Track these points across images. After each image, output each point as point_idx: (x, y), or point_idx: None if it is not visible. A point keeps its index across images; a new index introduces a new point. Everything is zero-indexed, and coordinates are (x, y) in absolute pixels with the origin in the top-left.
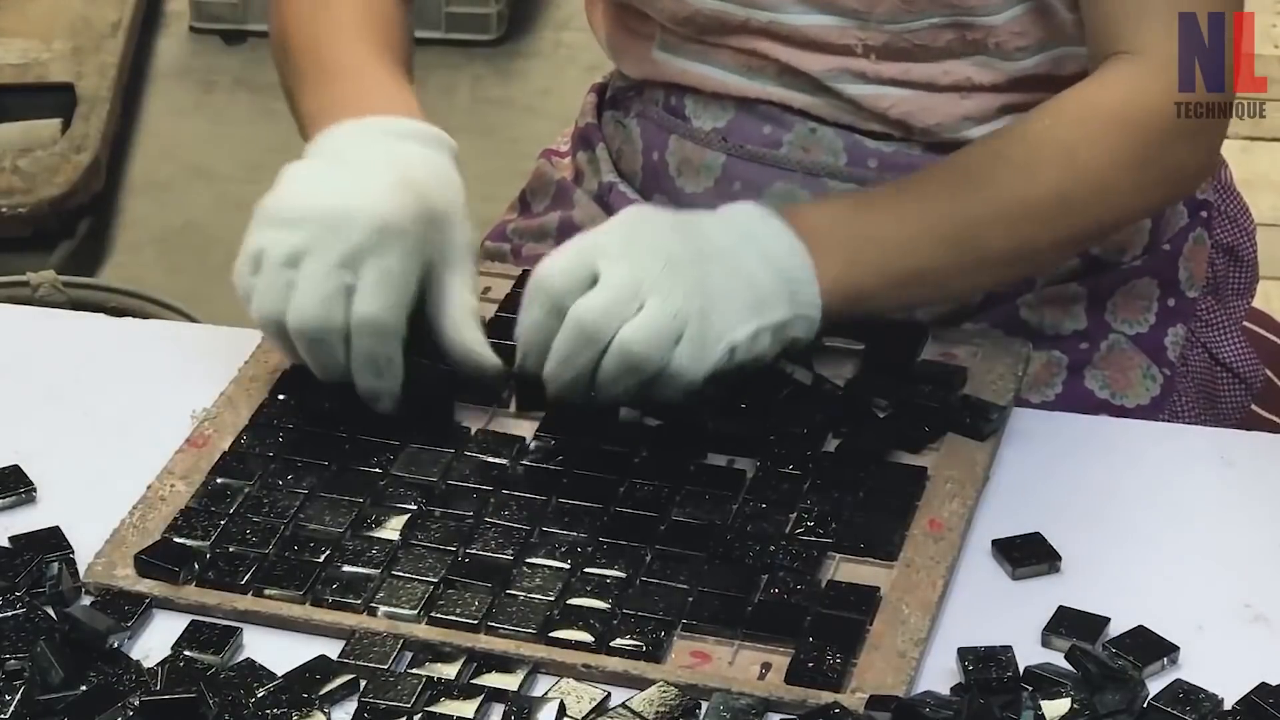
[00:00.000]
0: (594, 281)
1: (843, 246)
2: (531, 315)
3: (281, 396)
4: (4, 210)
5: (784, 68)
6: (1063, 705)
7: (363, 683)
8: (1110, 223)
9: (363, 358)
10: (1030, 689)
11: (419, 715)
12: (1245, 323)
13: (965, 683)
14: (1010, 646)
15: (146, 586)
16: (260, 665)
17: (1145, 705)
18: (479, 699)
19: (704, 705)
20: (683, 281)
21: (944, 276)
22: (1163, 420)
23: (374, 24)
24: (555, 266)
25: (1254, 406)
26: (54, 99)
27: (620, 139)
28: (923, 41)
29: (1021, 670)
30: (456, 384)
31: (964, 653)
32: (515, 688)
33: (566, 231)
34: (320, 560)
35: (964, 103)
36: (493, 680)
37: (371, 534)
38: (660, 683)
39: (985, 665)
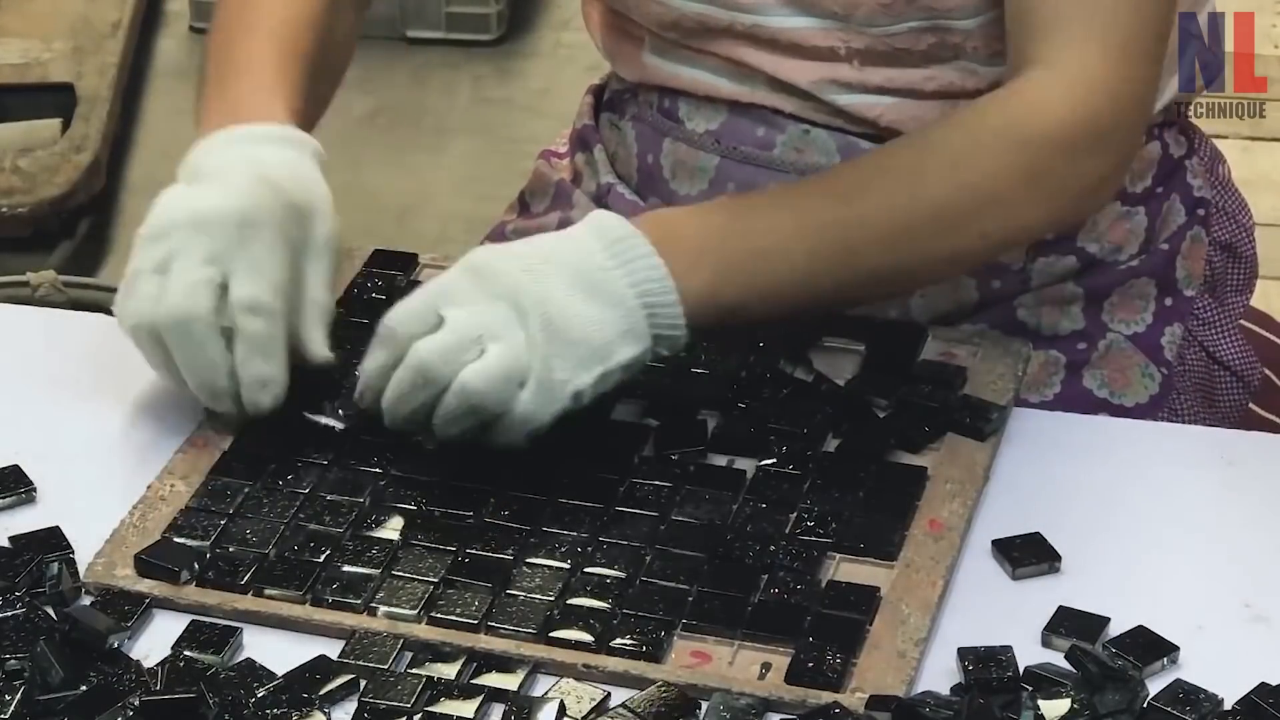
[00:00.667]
0: (439, 326)
1: (711, 258)
2: (375, 358)
3: None
4: (4, 210)
5: (770, 79)
6: (1063, 705)
7: (363, 683)
8: (1000, 238)
9: (249, 342)
10: (1030, 689)
11: (419, 715)
12: (1244, 322)
13: (965, 683)
14: (1010, 647)
15: (146, 586)
16: (260, 665)
17: (1145, 705)
18: (479, 699)
19: (704, 705)
20: (527, 327)
21: (817, 289)
22: (1161, 419)
23: (287, 26)
24: (401, 310)
25: (1252, 405)
26: (54, 99)
27: (616, 141)
28: (904, 45)
29: (1021, 670)
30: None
31: (964, 653)
32: (515, 688)
33: None
34: (320, 560)
35: (950, 110)
36: (493, 680)
37: (371, 534)
38: (660, 683)
39: (985, 665)
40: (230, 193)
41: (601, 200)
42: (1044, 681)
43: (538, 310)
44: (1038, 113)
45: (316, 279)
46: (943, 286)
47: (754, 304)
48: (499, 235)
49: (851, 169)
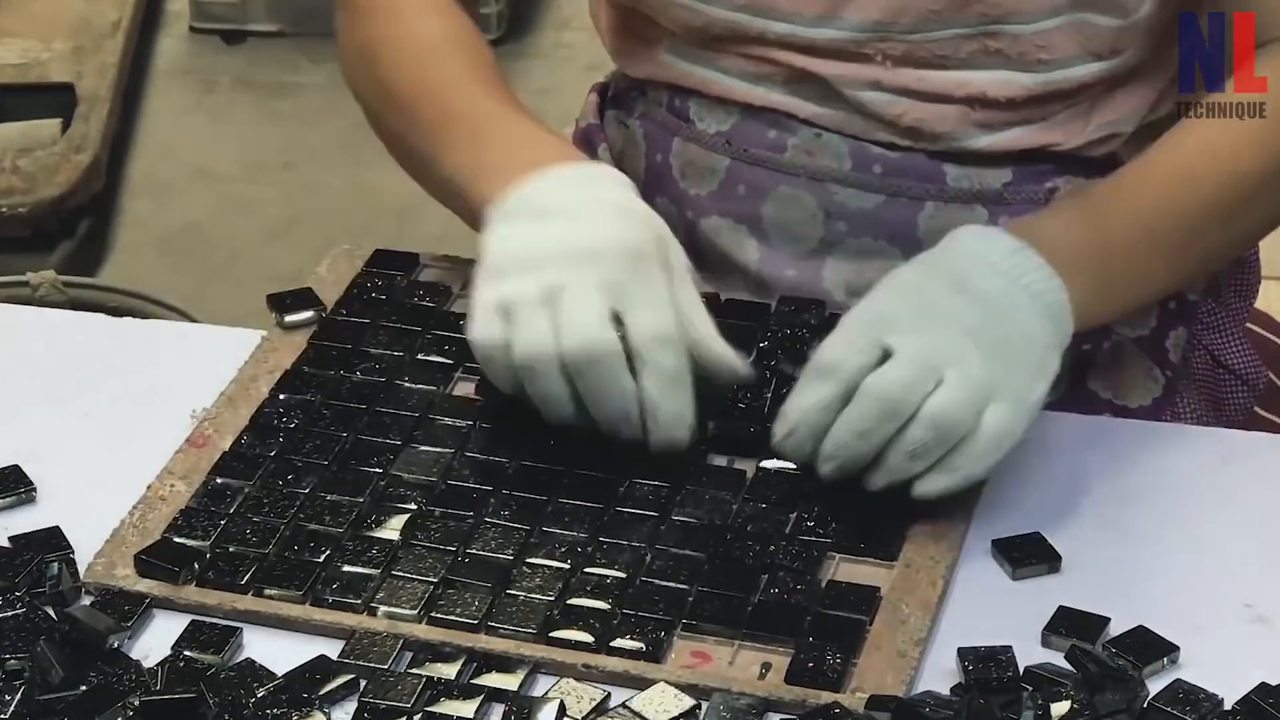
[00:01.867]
0: (884, 357)
1: (1089, 268)
2: (818, 394)
3: (282, 396)
4: (4, 210)
5: (793, 73)
6: (1063, 706)
7: (363, 683)
8: None
9: (661, 376)
10: (1030, 689)
11: (419, 715)
12: (1248, 324)
13: (965, 683)
14: (1010, 647)
15: (146, 586)
16: (260, 665)
17: (1145, 705)
18: (479, 699)
19: (704, 705)
20: (980, 346)
21: (1169, 278)
22: (1165, 422)
23: (486, 68)
24: (840, 344)
25: (1257, 408)
26: (54, 99)
27: (623, 139)
28: (944, 52)
29: (1021, 670)
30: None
31: (964, 653)
32: (515, 688)
33: None
34: (320, 560)
35: (975, 114)
36: (493, 680)
37: (371, 534)
38: (660, 683)
39: (985, 665)
40: (607, 225)
41: None
42: (1044, 681)
43: (984, 329)
44: None
45: (693, 302)
46: None
47: (1120, 305)
48: None
49: (1169, 154)
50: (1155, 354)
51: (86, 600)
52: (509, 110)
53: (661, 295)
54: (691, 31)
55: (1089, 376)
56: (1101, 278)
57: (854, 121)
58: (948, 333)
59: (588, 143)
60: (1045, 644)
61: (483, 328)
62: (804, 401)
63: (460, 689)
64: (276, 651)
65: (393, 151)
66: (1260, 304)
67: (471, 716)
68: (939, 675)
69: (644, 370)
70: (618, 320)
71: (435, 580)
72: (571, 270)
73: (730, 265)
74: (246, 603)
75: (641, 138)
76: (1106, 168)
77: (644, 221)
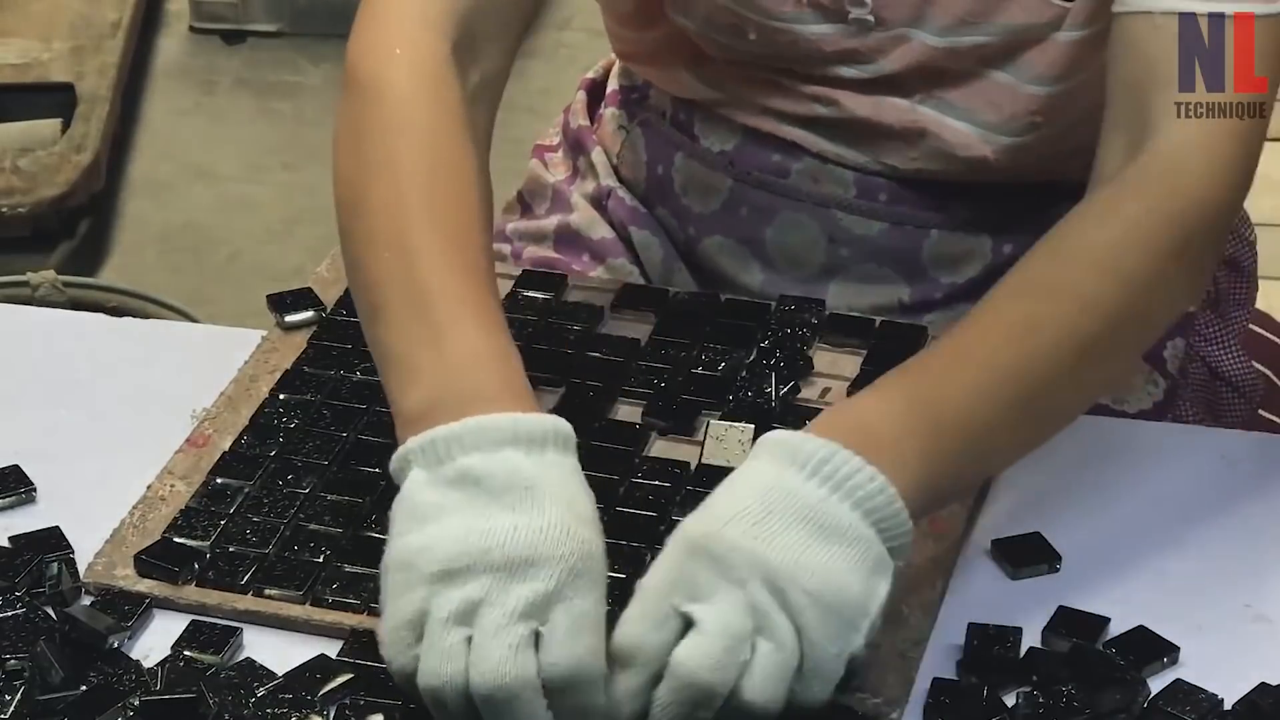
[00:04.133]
0: (685, 627)
1: (912, 446)
2: (625, 682)
3: (282, 396)
4: (4, 210)
5: (812, 115)
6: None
7: (363, 682)
8: (1164, 322)
9: (569, 714)
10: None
11: (399, 711)
12: (1249, 325)
13: (967, 660)
14: (1020, 629)
15: (146, 586)
16: (260, 665)
17: (1145, 705)
18: None
19: None
20: (789, 609)
21: (1016, 440)
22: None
23: (471, 228)
24: (636, 620)
25: (1259, 410)
26: (54, 99)
27: (621, 143)
28: (955, 63)
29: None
30: None
31: (973, 630)
32: None
33: (565, 235)
34: (320, 560)
35: (992, 139)
36: None
37: (371, 534)
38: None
39: (990, 645)
40: (549, 530)
41: (601, 203)
42: (1046, 664)
43: (794, 586)
44: (1178, 193)
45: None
46: (954, 287)
47: (955, 480)
48: (499, 236)
49: (1008, 300)
50: (1154, 362)
51: (86, 600)
52: (472, 308)
53: (584, 619)
54: (718, 66)
55: None
56: (932, 467)
57: (865, 157)
58: (754, 592)
59: (578, 145)
60: (1045, 644)
61: (394, 648)
62: (618, 690)
63: None
64: (276, 651)
65: (344, 258)
66: (1260, 304)
67: None
68: (939, 674)
69: (558, 702)
70: (537, 647)
71: None
72: (496, 584)
73: (731, 286)
74: (246, 603)
75: (642, 147)
76: None
77: (595, 531)
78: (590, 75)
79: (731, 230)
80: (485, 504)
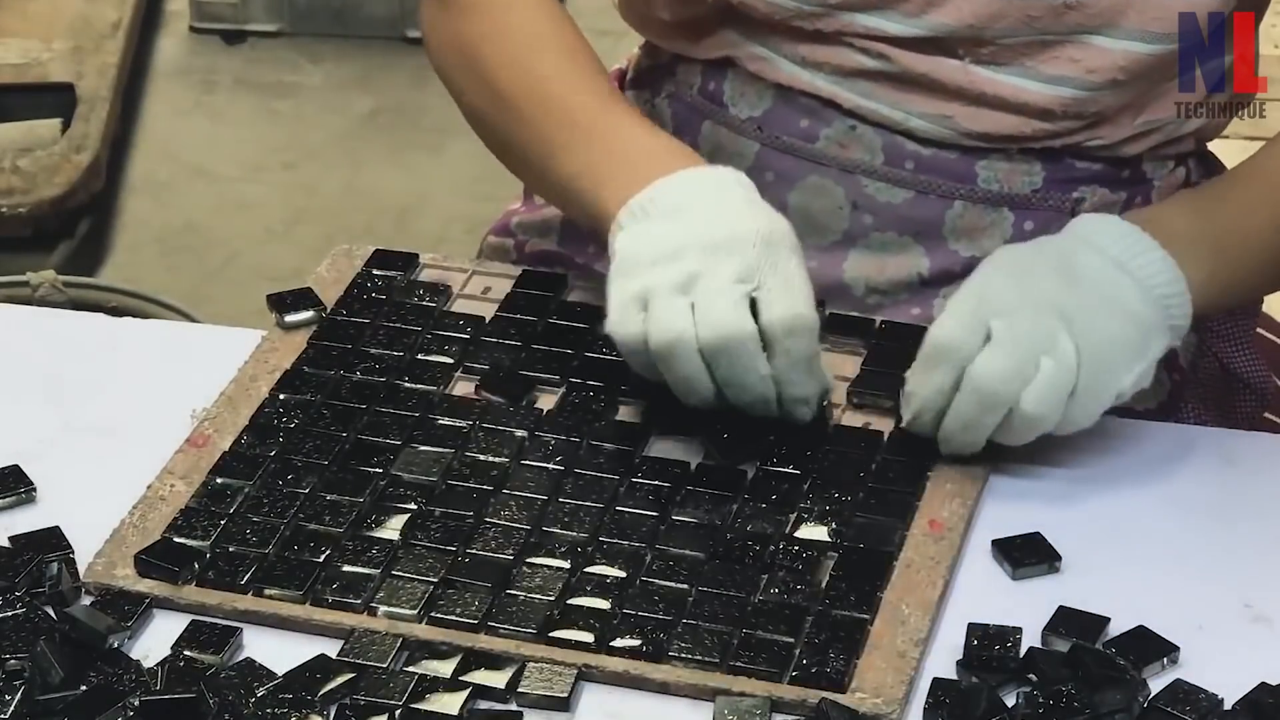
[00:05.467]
0: (988, 338)
1: (1207, 250)
2: (935, 380)
3: (282, 396)
4: (4, 210)
5: (854, 68)
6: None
7: (362, 683)
8: None
9: (793, 361)
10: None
11: (400, 711)
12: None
13: (967, 660)
14: (1020, 628)
15: (146, 586)
16: (260, 665)
17: (1145, 705)
18: (465, 693)
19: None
20: (1073, 334)
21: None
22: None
23: (591, 64)
24: (951, 325)
25: (1265, 414)
26: (54, 99)
27: (648, 116)
28: (1028, 57)
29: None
30: None
31: (973, 629)
32: (503, 685)
33: (569, 227)
34: (320, 560)
35: (1033, 123)
36: (480, 678)
37: (371, 534)
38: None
39: (989, 644)
40: (740, 215)
41: None
42: (1045, 664)
43: (1082, 317)
44: None
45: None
46: (972, 260)
47: (1243, 287)
48: (503, 229)
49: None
50: (1165, 358)
51: (86, 600)
52: (622, 113)
53: (795, 281)
54: (767, 20)
55: None
56: (1216, 265)
57: (895, 105)
58: (1046, 318)
59: None
60: (1045, 644)
61: (620, 318)
62: (923, 386)
63: (446, 684)
64: (276, 651)
65: (496, 150)
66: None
67: (455, 713)
68: (939, 674)
69: (778, 355)
70: (754, 306)
71: (435, 580)
72: (707, 260)
73: None
74: (246, 603)
75: (669, 118)
76: (1135, 176)
77: (772, 211)
78: (619, 67)
79: None
80: (677, 215)
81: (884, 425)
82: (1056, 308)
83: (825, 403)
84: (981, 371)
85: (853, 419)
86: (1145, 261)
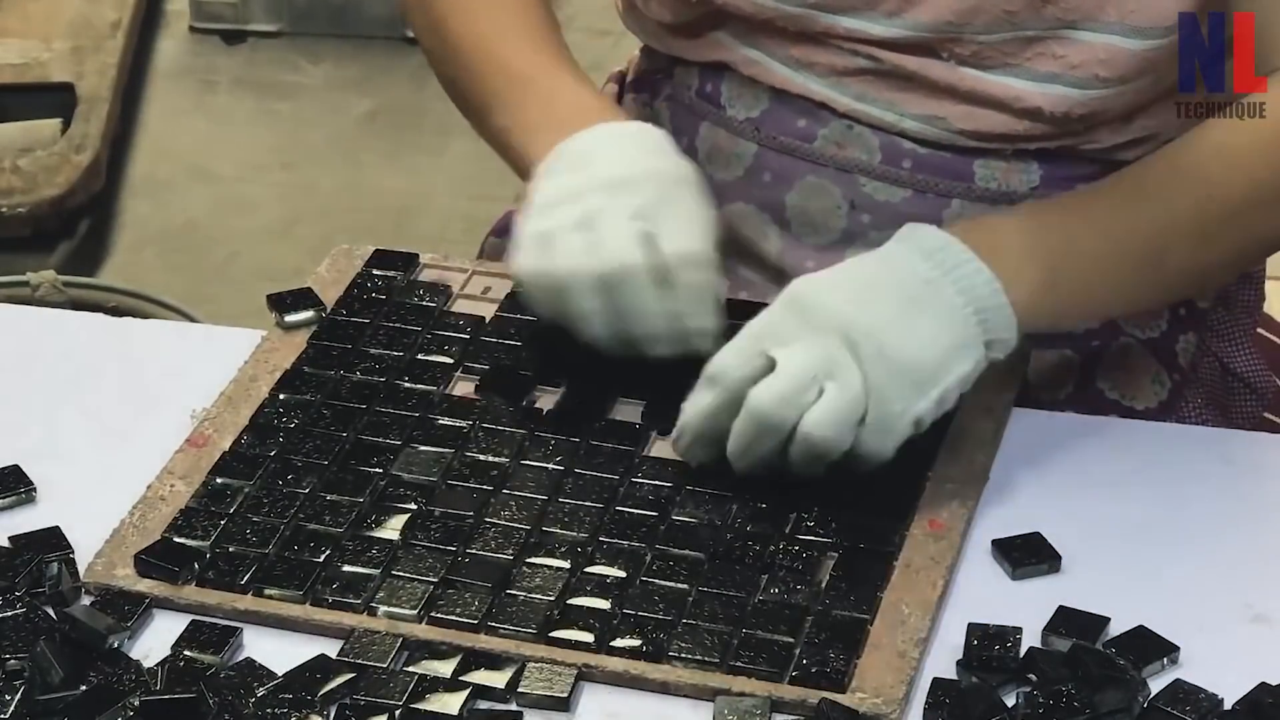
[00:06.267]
0: (770, 367)
1: (1037, 263)
2: (701, 401)
3: (282, 396)
4: (4, 210)
5: (845, 67)
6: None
7: (362, 683)
8: (1272, 242)
9: (690, 294)
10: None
11: (399, 710)
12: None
13: (967, 660)
14: (1020, 628)
15: (146, 586)
16: (260, 665)
17: (1145, 705)
18: (465, 693)
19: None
20: (860, 360)
21: (1131, 292)
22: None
23: (541, 19)
24: (728, 353)
25: (1265, 414)
26: (54, 99)
27: (645, 120)
28: (1010, 55)
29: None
30: None
31: (973, 629)
32: (503, 685)
33: None
34: (320, 560)
35: (1022, 124)
36: (480, 678)
37: (371, 534)
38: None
39: (989, 644)
40: (640, 159)
41: None
42: (1045, 664)
43: (869, 341)
44: None
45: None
46: None
47: (1077, 310)
48: (503, 230)
49: (1141, 175)
50: (1164, 357)
51: (86, 600)
52: (559, 68)
53: (693, 216)
54: (755, 22)
55: (1097, 375)
56: (1052, 279)
57: (889, 108)
58: (830, 342)
59: None
60: (1045, 644)
61: (524, 255)
62: (692, 407)
63: (446, 684)
64: (276, 651)
65: (448, 94)
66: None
67: (455, 713)
68: (939, 674)
69: (676, 288)
70: (651, 243)
71: (435, 580)
72: (607, 198)
73: (750, 254)
74: (246, 603)
75: (667, 120)
76: None
77: (679, 158)
78: (619, 69)
79: (753, 197)
80: (583, 161)
81: None
82: (843, 334)
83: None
84: (757, 395)
85: None
86: (961, 275)
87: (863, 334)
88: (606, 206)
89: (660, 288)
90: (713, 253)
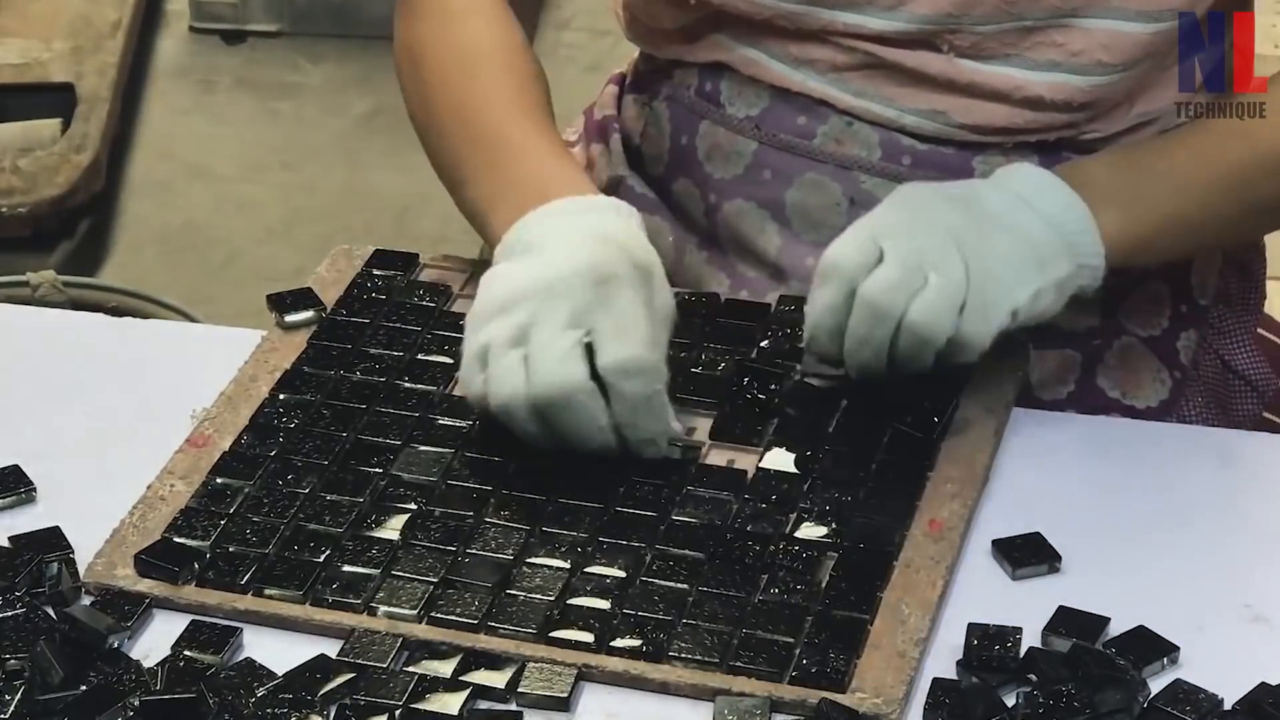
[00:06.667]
0: (880, 259)
1: (1121, 196)
2: (824, 297)
3: (282, 396)
4: (4, 210)
5: (844, 63)
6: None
7: (362, 682)
8: None
9: (630, 404)
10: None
11: (399, 710)
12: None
13: (968, 660)
14: (1020, 628)
15: (146, 586)
16: (260, 665)
17: (1145, 705)
18: (465, 693)
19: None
20: (963, 251)
21: (1216, 223)
22: (1172, 423)
23: (523, 88)
24: (841, 244)
25: (1265, 413)
26: (54, 99)
27: (645, 121)
28: (1010, 46)
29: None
30: None
31: (973, 629)
32: (503, 685)
33: None
34: (320, 560)
35: (1024, 114)
36: (480, 678)
37: (371, 534)
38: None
39: (990, 644)
40: (577, 254)
41: (611, 193)
42: (1045, 664)
43: (972, 233)
44: None
45: (658, 345)
46: None
47: (1162, 240)
48: None
49: (1224, 116)
50: (1165, 355)
51: (86, 600)
52: (534, 140)
53: (628, 321)
54: (754, 22)
55: (1098, 374)
56: (1132, 214)
57: (888, 104)
58: (935, 235)
59: (601, 134)
60: (1045, 644)
61: (466, 378)
62: (815, 303)
63: (446, 684)
64: (276, 651)
65: (433, 166)
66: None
67: (455, 713)
68: (939, 674)
69: (615, 400)
70: (588, 355)
71: (435, 580)
72: (540, 306)
73: (749, 252)
74: (246, 603)
75: (666, 120)
76: None
77: (620, 247)
78: (619, 70)
79: (753, 194)
80: (522, 256)
81: (882, 426)
82: (947, 228)
83: (679, 442)
84: (869, 284)
85: (850, 419)
86: (1051, 199)
87: (965, 230)
88: (540, 318)
89: (600, 401)
90: (654, 356)
